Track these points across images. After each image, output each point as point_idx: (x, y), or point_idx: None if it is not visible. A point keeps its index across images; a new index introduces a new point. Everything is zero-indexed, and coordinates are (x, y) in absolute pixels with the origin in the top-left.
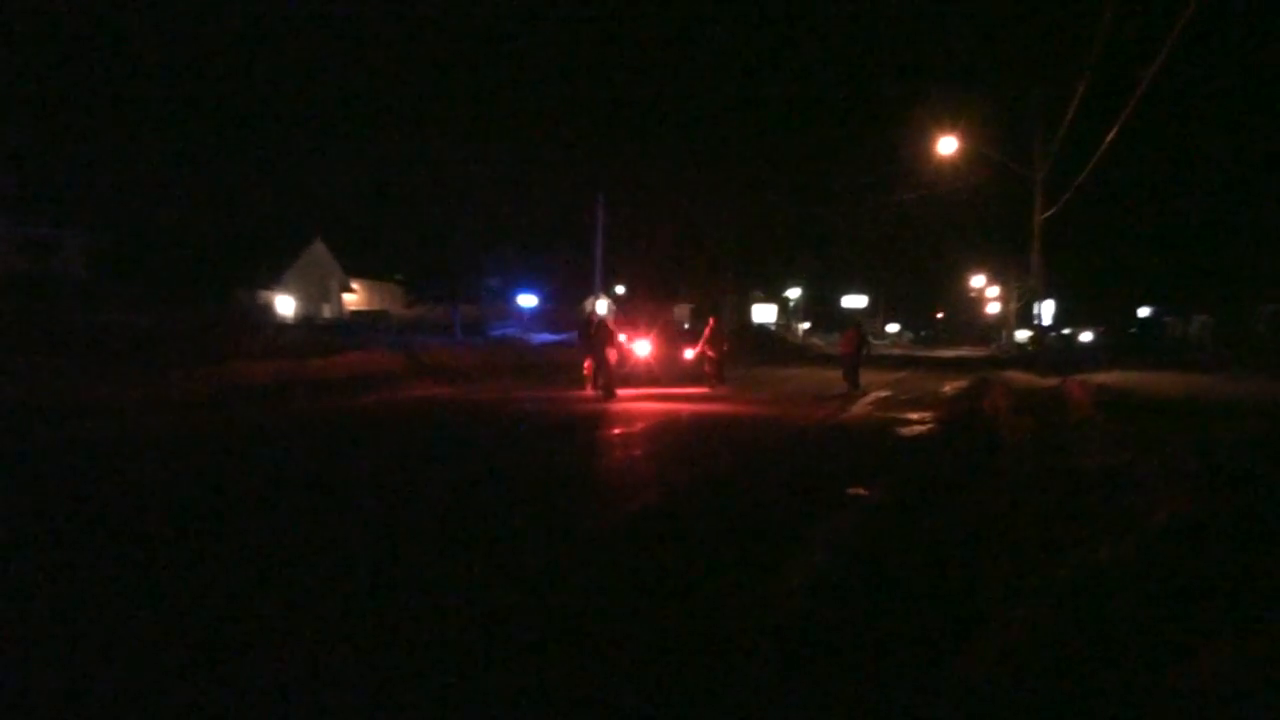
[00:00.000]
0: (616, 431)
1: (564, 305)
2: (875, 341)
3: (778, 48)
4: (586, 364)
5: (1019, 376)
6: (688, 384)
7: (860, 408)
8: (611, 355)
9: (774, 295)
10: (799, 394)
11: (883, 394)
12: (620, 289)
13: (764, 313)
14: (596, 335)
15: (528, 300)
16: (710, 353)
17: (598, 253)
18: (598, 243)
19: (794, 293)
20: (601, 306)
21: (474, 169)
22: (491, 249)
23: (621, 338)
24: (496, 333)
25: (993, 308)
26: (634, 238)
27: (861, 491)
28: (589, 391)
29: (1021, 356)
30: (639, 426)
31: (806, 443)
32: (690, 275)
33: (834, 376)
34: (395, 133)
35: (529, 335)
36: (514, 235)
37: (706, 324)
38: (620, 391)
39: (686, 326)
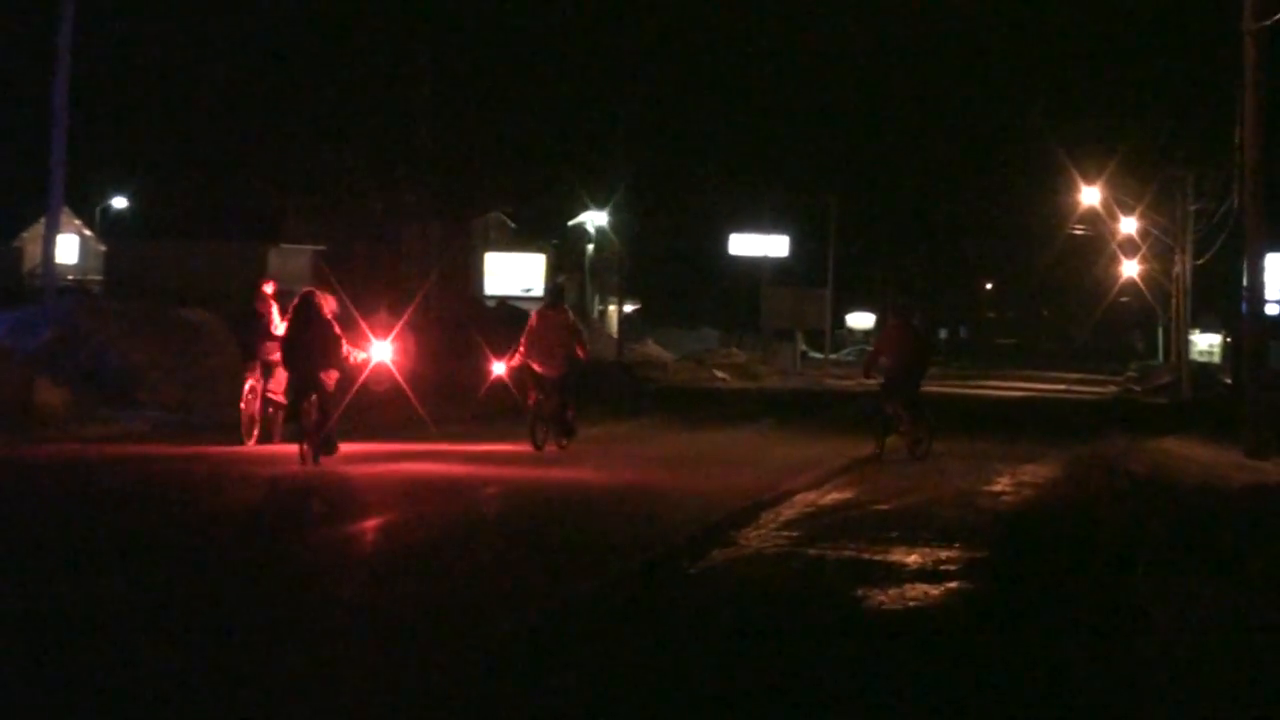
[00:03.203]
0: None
1: None
2: (815, 356)
3: None
4: (249, 383)
5: (1197, 454)
6: (486, 436)
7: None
8: (328, 375)
9: (537, 229)
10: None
11: (840, 495)
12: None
13: (506, 272)
14: (298, 330)
15: None
16: (541, 366)
17: None
18: None
19: (596, 220)
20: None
21: None
22: None
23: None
24: None
25: (1129, 270)
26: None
27: None
28: (251, 444)
29: (1199, 398)
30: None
31: None
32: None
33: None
34: None
35: None
36: None
37: (543, 311)
38: (345, 447)
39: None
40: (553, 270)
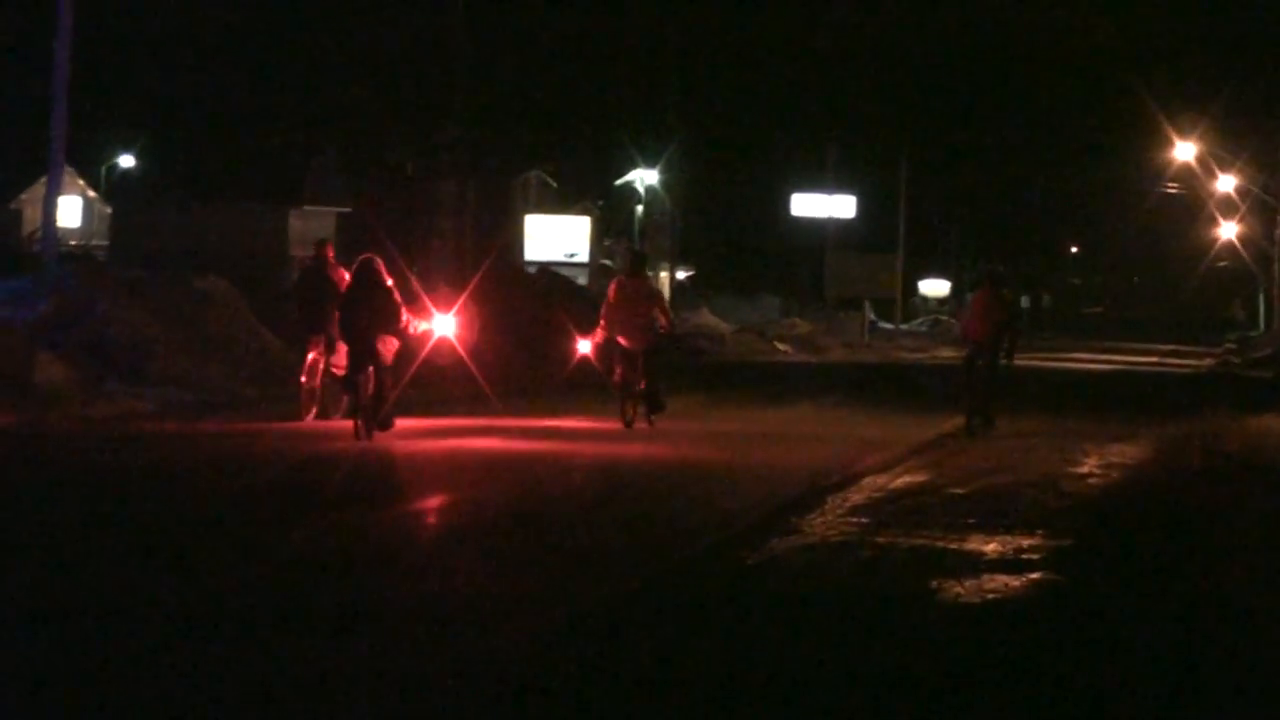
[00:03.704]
0: None
1: None
2: (885, 327)
3: None
4: (310, 355)
5: None
6: (569, 410)
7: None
8: (386, 346)
9: (581, 189)
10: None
11: (912, 478)
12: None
13: (549, 235)
14: (356, 297)
15: None
16: (625, 339)
17: None
18: None
19: (646, 179)
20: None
21: None
22: None
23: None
24: None
25: (1227, 231)
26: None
27: None
28: (308, 420)
29: None
30: None
31: None
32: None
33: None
34: None
35: None
36: None
37: (622, 281)
38: (403, 423)
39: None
40: (598, 234)
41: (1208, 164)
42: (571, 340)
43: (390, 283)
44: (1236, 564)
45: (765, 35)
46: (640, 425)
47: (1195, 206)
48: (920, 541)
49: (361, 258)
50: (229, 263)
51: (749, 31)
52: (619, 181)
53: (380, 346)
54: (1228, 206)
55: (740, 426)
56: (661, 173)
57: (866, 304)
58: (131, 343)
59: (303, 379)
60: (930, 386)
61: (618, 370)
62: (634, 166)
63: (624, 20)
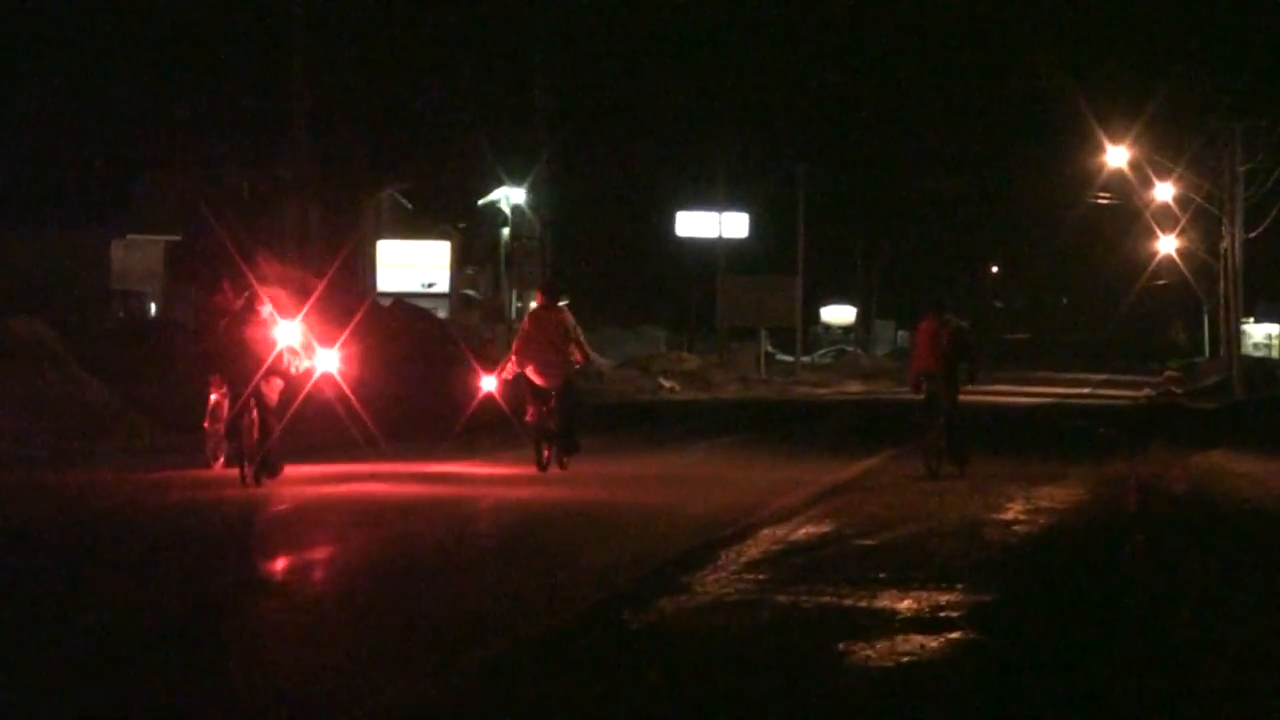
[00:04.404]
0: None
1: None
2: (784, 359)
3: None
4: (214, 397)
5: (1252, 469)
6: (472, 454)
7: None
8: (270, 387)
9: (440, 211)
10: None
11: (815, 528)
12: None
13: (404, 262)
14: (236, 334)
15: None
16: (539, 376)
17: None
18: None
19: (511, 198)
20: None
21: None
22: None
23: (283, 336)
24: None
25: (1166, 246)
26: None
27: None
28: (216, 467)
29: (1255, 400)
30: None
31: None
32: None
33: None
34: None
35: None
36: None
37: (538, 313)
38: (291, 470)
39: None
40: (460, 260)
41: (1143, 171)
42: (473, 378)
43: (272, 319)
44: (1179, 621)
45: (644, 37)
46: (553, 469)
47: (1130, 219)
48: (826, 599)
49: (246, 294)
50: (42, 299)
51: (626, 33)
52: (482, 202)
53: (264, 387)
54: (1166, 218)
55: (614, 475)
56: (529, 191)
57: (763, 334)
58: None
59: (205, 424)
60: (836, 425)
61: (530, 409)
62: (499, 185)
63: (485, 21)
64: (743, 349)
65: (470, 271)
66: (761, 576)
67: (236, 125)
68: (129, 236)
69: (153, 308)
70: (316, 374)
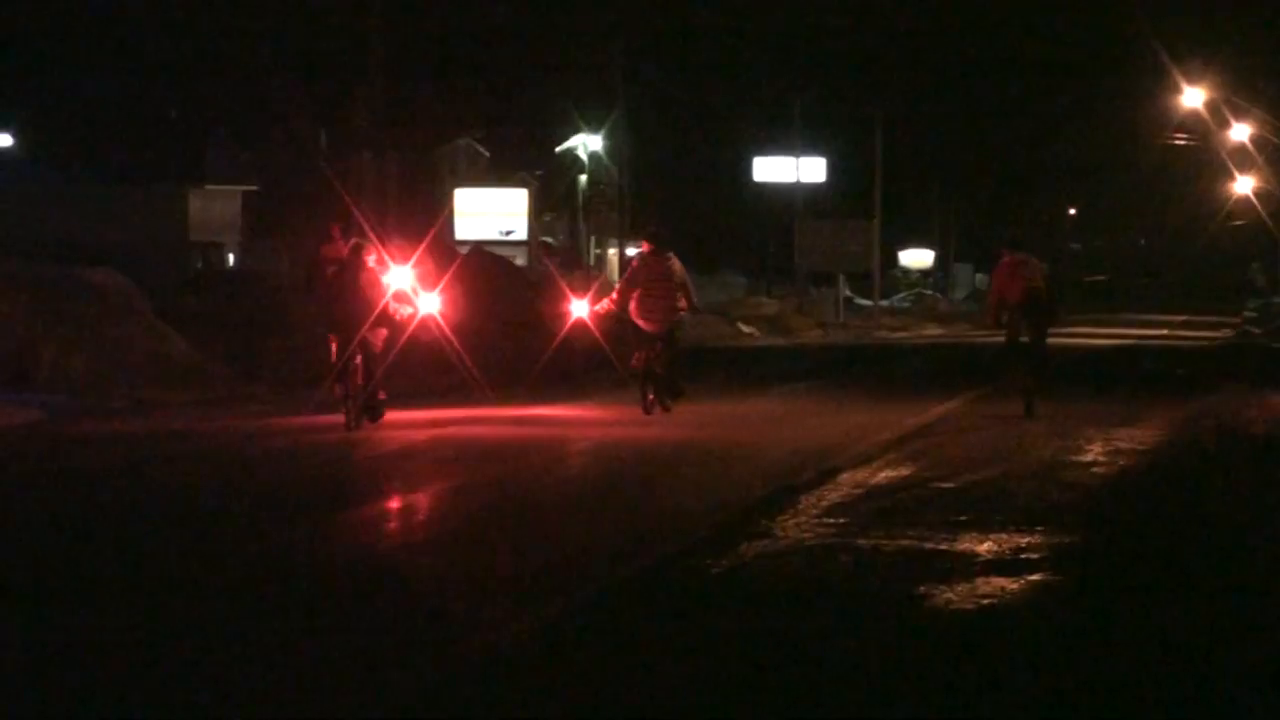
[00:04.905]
0: None
1: None
2: (862, 303)
3: None
4: (332, 345)
5: None
6: (577, 397)
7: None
8: (375, 335)
9: (516, 158)
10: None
11: (895, 472)
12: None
13: (481, 211)
14: (342, 282)
15: None
16: (646, 321)
17: None
18: None
19: (589, 145)
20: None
21: None
22: None
23: (392, 286)
24: None
25: (1243, 186)
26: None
27: None
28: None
29: None
30: None
31: None
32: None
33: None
34: None
35: None
36: None
37: (647, 259)
38: (394, 415)
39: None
40: (537, 208)
41: (1219, 111)
42: (563, 306)
43: (380, 265)
44: (1259, 560)
45: None
46: (656, 412)
47: (1206, 160)
48: (905, 543)
49: (353, 242)
50: (123, 252)
51: None
52: (559, 149)
53: (370, 335)
54: (1243, 159)
55: (712, 415)
56: (606, 138)
57: (841, 279)
58: (12, 345)
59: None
60: (914, 369)
61: (636, 354)
62: (575, 132)
63: None
64: (821, 294)
65: (548, 219)
66: (842, 520)
67: (311, 74)
68: (206, 187)
69: (230, 258)
70: (418, 318)
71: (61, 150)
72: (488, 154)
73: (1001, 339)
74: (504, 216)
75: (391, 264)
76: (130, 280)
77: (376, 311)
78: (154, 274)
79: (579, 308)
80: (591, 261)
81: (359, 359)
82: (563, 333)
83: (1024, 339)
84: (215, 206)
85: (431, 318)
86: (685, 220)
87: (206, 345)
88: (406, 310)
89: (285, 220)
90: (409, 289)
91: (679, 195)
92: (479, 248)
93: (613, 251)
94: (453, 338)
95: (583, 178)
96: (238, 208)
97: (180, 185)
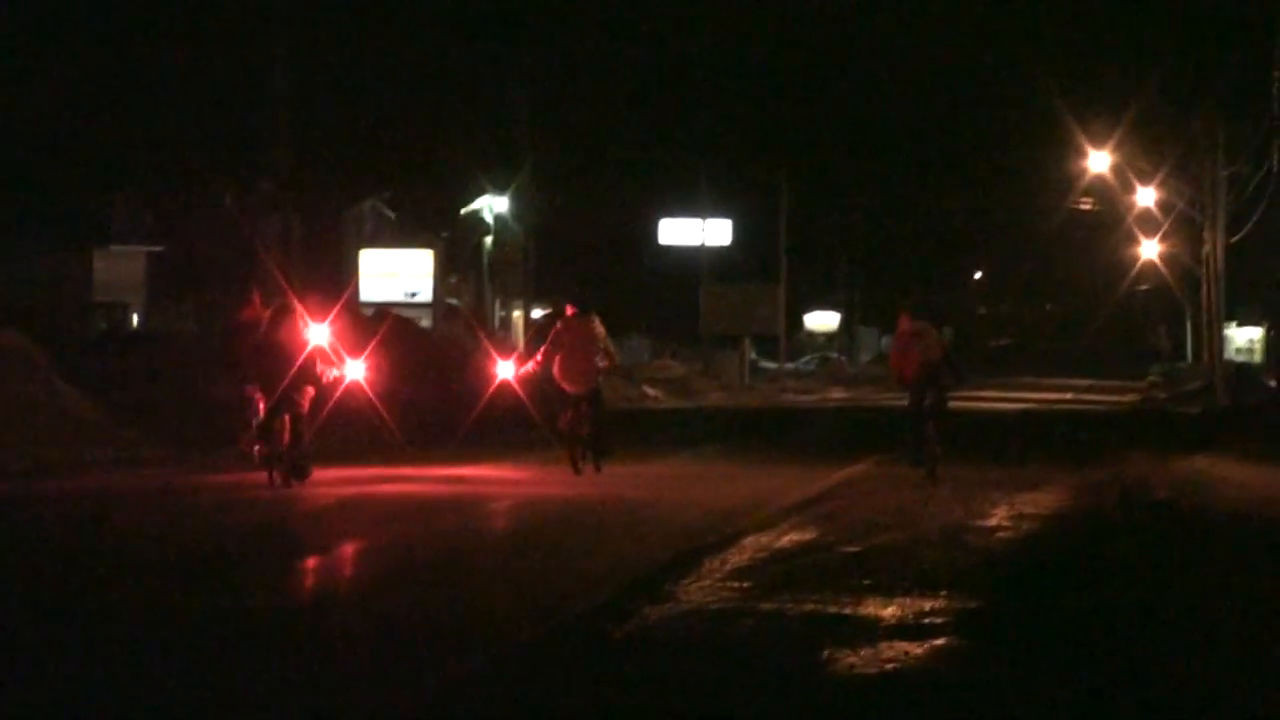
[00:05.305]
0: None
1: None
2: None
3: None
4: (256, 401)
5: (1236, 474)
6: (498, 455)
7: None
8: (302, 394)
9: (422, 220)
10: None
11: (798, 535)
12: None
13: (387, 272)
14: (269, 342)
15: None
16: (570, 383)
17: None
18: None
19: (495, 206)
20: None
21: None
22: None
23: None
24: None
25: (1149, 251)
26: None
27: None
28: (262, 473)
29: (1238, 405)
30: None
31: None
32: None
33: None
34: None
35: None
36: None
37: (562, 311)
38: (320, 473)
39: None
40: (442, 269)
41: (1124, 176)
42: (489, 367)
43: (304, 329)
44: (1161, 626)
45: (626, 44)
46: (587, 471)
47: (1112, 224)
48: (810, 607)
49: (278, 301)
50: (24, 311)
51: (608, 39)
52: (465, 210)
53: (296, 395)
54: (1148, 223)
55: (594, 489)
56: (512, 200)
57: (746, 341)
58: None
59: (248, 430)
60: (820, 432)
61: (561, 416)
62: (481, 193)
63: (467, 28)
64: (726, 357)
65: (454, 280)
66: (745, 584)
67: (217, 136)
68: (112, 248)
69: (135, 318)
70: (345, 381)
71: None
72: (394, 215)
73: (904, 402)
74: (410, 278)
75: (312, 324)
76: (33, 340)
77: (301, 370)
78: (58, 333)
79: (505, 369)
80: (497, 323)
81: (286, 418)
82: (489, 394)
83: (926, 403)
84: (120, 267)
85: (355, 382)
86: (591, 282)
87: (110, 406)
88: (333, 372)
89: (191, 281)
90: (329, 349)
91: (585, 257)
92: (386, 309)
93: (518, 313)
94: (375, 399)
95: (488, 239)
96: (142, 268)
97: (85, 245)
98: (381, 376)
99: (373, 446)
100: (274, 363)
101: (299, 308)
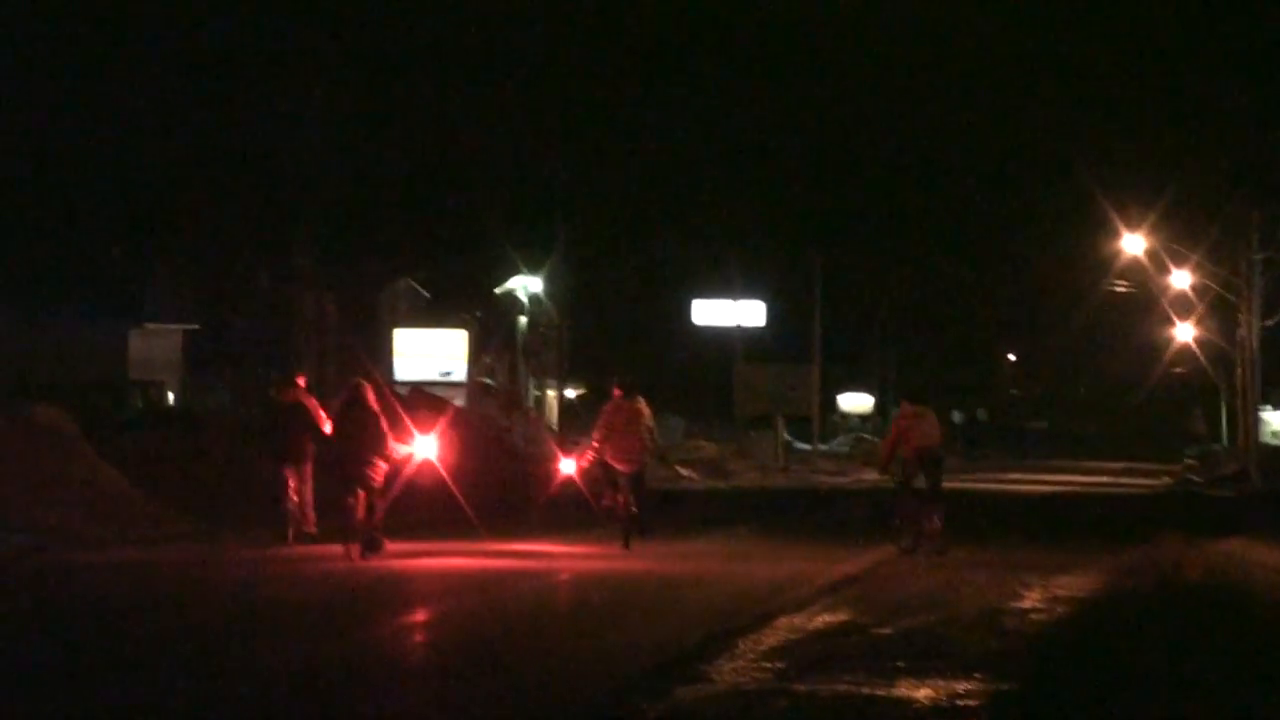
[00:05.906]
0: None
1: None
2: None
3: None
4: (290, 483)
5: (1270, 559)
6: (560, 533)
7: None
8: (375, 470)
9: (456, 299)
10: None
11: (832, 617)
12: None
13: (421, 351)
14: (346, 422)
15: None
16: (619, 462)
17: None
18: None
19: (529, 287)
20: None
21: None
22: None
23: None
24: None
25: (1183, 334)
26: None
27: None
28: (291, 543)
29: (1273, 489)
30: None
31: None
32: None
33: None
34: None
35: None
36: None
37: (620, 403)
38: (392, 546)
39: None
40: (477, 349)
41: (1159, 258)
42: (552, 462)
43: (377, 407)
44: (1199, 707)
45: (659, 127)
46: (635, 547)
47: (1146, 307)
48: (842, 688)
49: (352, 382)
50: (61, 388)
51: (641, 122)
52: (499, 290)
53: (370, 471)
54: (1183, 306)
55: (627, 568)
56: (546, 280)
57: (780, 422)
58: None
59: (286, 505)
60: (852, 513)
61: (608, 494)
62: (515, 273)
63: (503, 111)
64: (760, 437)
65: (488, 360)
66: (779, 665)
67: (253, 215)
68: (147, 326)
69: (171, 396)
70: (416, 459)
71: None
72: (428, 295)
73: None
74: (444, 358)
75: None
76: (70, 417)
77: (375, 446)
78: (94, 412)
79: (568, 466)
80: (531, 403)
81: (361, 494)
82: (554, 490)
83: (919, 485)
84: (156, 344)
85: (426, 459)
86: (624, 362)
87: (146, 483)
88: (404, 450)
89: (228, 359)
90: (400, 430)
91: (619, 337)
92: (417, 388)
93: (552, 393)
94: (446, 477)
95: (522, 319)
96: (179, 346)
97: (121, 323)
98: (451, 455)
99: (441, 522)
100: (349, 440)
101: (372, 385)
